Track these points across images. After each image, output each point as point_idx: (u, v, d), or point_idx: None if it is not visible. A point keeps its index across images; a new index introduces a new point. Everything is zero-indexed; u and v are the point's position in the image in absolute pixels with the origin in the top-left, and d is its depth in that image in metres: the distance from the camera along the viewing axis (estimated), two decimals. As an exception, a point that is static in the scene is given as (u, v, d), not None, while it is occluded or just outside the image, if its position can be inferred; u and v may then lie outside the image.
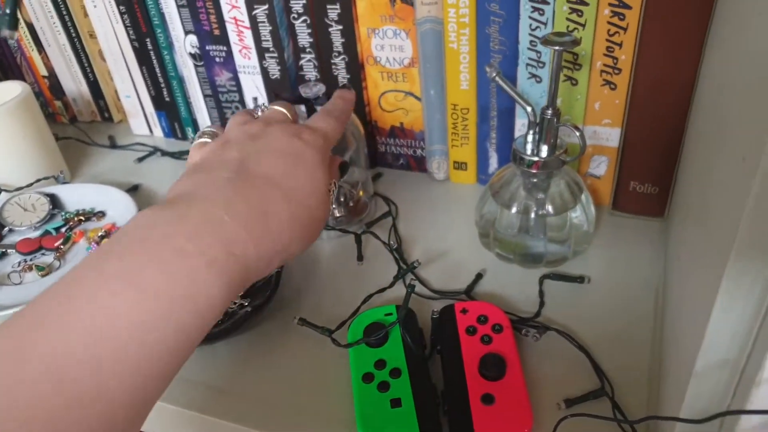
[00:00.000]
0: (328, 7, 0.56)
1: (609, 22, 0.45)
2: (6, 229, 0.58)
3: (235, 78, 0.64)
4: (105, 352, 0.24)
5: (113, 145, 0.75)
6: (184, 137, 0.74)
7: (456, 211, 0.58)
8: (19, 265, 0.55)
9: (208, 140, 0.39)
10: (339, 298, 0.48)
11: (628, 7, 0.44)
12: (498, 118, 0.56)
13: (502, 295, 0.47)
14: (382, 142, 0.64)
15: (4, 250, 0.56)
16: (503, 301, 0.47)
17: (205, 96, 0.68)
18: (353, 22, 0.56)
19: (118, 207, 0.60)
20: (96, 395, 0.24)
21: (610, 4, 0.45)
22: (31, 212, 0.59)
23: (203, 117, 0.70)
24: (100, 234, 0.56)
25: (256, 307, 0.45)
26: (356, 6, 0.55)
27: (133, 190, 0.64)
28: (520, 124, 0.56)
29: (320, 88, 0.52)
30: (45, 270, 0.53)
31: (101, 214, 0.60)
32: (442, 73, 0.56)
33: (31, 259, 0.55)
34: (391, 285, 0.48)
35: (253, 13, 0.58)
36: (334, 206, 0.57)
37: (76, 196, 0.62)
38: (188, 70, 0.67)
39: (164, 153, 0.71)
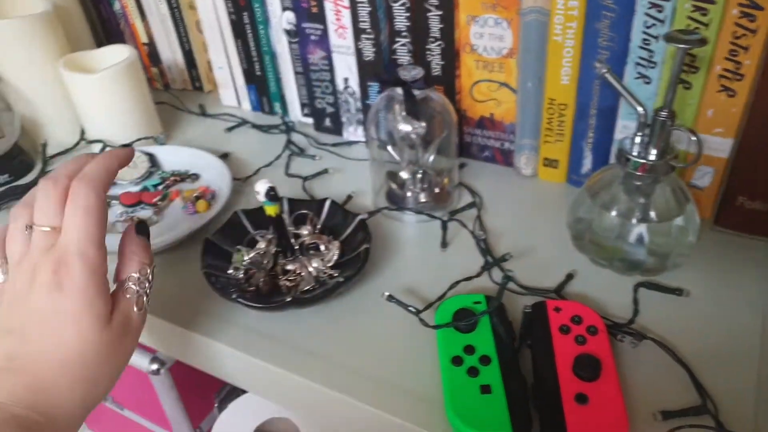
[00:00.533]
0: (432, -9, 0.56)
1: (737, 24, 0.44)
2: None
3: (329, 57, 0.64)
4: None
5: (203, 113, 0.77)
6: (272, 112, 0.75)
7: (543, 208, 0.57)
8: (121, 216, 0.58)
9: None
10: (423, 282, 0.49)
11: (760, 8, 0.42)
12: (598, 117, 0.55)
13: (592, 298, 0.46)
14: (469, 132, 0.63)
15: (108, 200, 0.59)
16: (593, 305, 0.46)
17: (296, 73, 0.69)
18: (454, 8, 0.56)
19: (211, 171, 0.62)
20: None
21: (740, 4, 0.43)
22: (133, 168, 0.62)
23: (292, 93, 0.72)
24: (195, 195, 0.58)
25: (347, 277, 0.46)
26: (460, -8, 0.55)
27: (223, 157, 0.66)
28: (622, 126, 0.54)
29: (418, 72, 0.52)
30: (144, 223, 0.56)
31: (195, 177, 0.63)
32: (542, 66, 0.55)
33: (132, 212, 0.59)
34: (479, 274, 0.48)
35: (356, -8, 0.58)
36: (418, 192, 0.57)
37: (172, 157, 0.65)
38: (282, 46, 0.68)
39: (254, 125, 0.73)
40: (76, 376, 0.35)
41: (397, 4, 0.57)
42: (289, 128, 0.72)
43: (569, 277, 0.48)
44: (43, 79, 0.67)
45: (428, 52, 0.59)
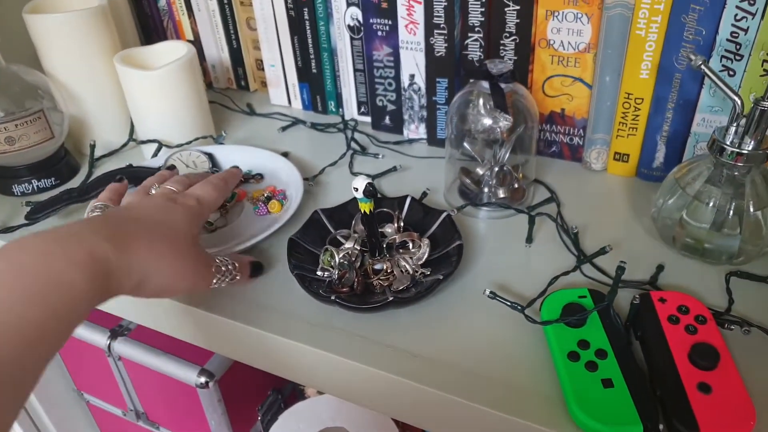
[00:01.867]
0: (510, -14, 0.55)
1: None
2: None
3: (395, 53, 0.64)
4: None
5: (252, 113, 0.76)
6: (325, 111, 0.74)
7: (615, 202, 0.57)
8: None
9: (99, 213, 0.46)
10: (513, 278, 0.48)
11: None
12: (675, 110, 0.55)
13: (684, 289, 0.46)
14: (538, 127, 0.63)
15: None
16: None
17: (356, 70, 0.69)
18: (533, 3, 0.56)
19: (275, 170, 0.61)
20: None
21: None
22: (193, 169, 0.61)
23: (349, 91, 0.71)
24: (265, 195, 0.57)
25: (445, 275, 0.45)
26: (540, -14, 0.55)
27: (283, 156, 0.65)
28: (700, 118, 0.54)
29: (506, 65, 0.52)
30: (213, 226, 0.55)
31: (259, 176, 0.61)
32: (620, 61, 0.55)
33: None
34: (575, 269, 0.48)
35: (432, -12, 0.58)
36: (496, 187, 0.56)
37: (231, 157, 0.63)
38: (343, 43, 0.68)
39: (313, 125, 0.72)
40: (157, 245, 0.39)
41: (473, 1, 0.57)
42: (349, 127, 0.71)
43: (660, 268, 0.48)
44: (93, 77, 0.65)
45: (501, 48, 0.59)
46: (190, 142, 0.64)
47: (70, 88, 0.65)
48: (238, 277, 0.45)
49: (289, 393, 0.86)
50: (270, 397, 0.82)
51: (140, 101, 0.64)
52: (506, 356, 0.42)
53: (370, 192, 0.44)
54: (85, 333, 0.75)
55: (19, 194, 0.62)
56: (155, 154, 0.64)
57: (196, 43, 0.79)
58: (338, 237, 0.51)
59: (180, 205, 0.43)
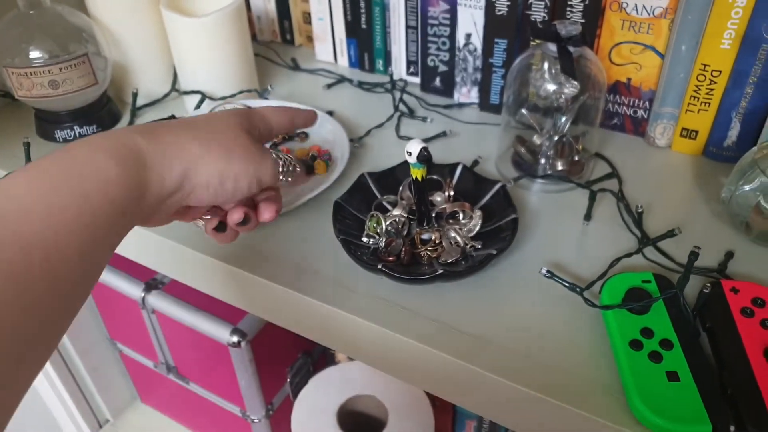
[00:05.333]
0: (585, -60, 0.51)
1: None
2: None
3: (452, 10, 0.60)
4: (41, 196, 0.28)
5: (297, 68, 0.73)
6: (372, 69, 0.71)
7: (680, 182, 0.53)
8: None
9: None
10: (569, 257, 0.46)
11: None
12: (757, 86, 0.50)
13: (756, 279, 0.43)
14: (605, 97, 0.59)
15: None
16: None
17: (408, 27, 0.65)
18: (609, -40, 0.51)
19: (321, 129, 0.59)
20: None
21: None
22: (237, 124, 0.58)
23: (399, 49, 0.67)
24: (310, 155, 0.55)
25: (499, 249, 0.42)
26: (618, -58, 0.50)
27: (328, 114, 0.62)
28: (786, 96, 0.50)
29: (576, 27, 0.48)
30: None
31: (304, 135, 0.59)
32: (700, 29, 0.50)
33: (240, 171, 0.55)
34: (638, 251, 0.45)
35: (497, -61, 0.53)
36: (555, 159, 0.53)
37: (275, 113, 0.61)
38: (396, -3, 0.64)
39: (361, 84, 0.69)
40: (203, 136, 0.35)
41: (540, -47, 0.53)
42: (397, 88, 0.68)
43: (729, 255, 0.45)
44: (138, 22, 0.63)
45: (568, 9, 0.55)
46: (234, 95, 0.62)
47: (114, 33, 0.63)
48: (298, 169, 0.41)
49: (318, 356, 0.85)
50: (299, 359, 0.82)
51: (185, 49, 0.62)
52: (561, 340, 0.40)
53: (425, 157, 0.41)
54: (119, 283, 0.75)
55: (60, 140, 0.61)
56: (198, 106, 0.62)
57: (241, -8, 0.76)
58: (384, 203, 0.49)
59: (231, 111, 0.40)
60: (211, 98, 0.62)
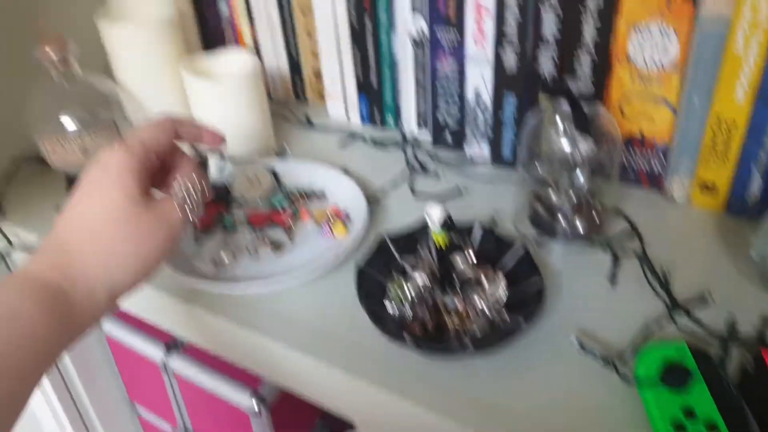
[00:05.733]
0: (588, -5, 0.51)
1: None
2: (234, 199, 0.58)
3: (461, 67, 0.61)
4: None
5: (309, 124, 0.74)
6: (383, 123, 0.72)
7: (702, 240, 0.52)
8: (252, 240, 0.55)
9: None
10: (597, 322, 0.45)
11: None
12: (775, 137, 0.50)
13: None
14: (620, 152, 0.59)
15: (235, 221, 0.56)
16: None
17: (418, 83, 0.66)
18: (613, 15, 0.52)
19: (337, 188, 0.59)
20: None
21: None
22: (256, 184, 0.59)
23: (409, 104, 0.68)
24: (329, 215, 0.55)
25: (526, 318, 0.42)
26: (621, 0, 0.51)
27: (342, 172, 0.63)
28: (804, 146, 0.49)
29: (587, 85, 0.48)
30: (279, 247, 0.54)
31: (321, 194, 0.60)
32: (712, 81, 0.50)
33: (261, 232, 0.56)
34: (667, 317, 0.44)
35: (504, -1, 0.54)
36: (573, 217, 0.53)
37: (293, 172, 0.62)
38: (405, 55, 0.65)
39: (375, 141, 0.69)
40: (100, 244, 0.36)
41: (546, 7, 0.53)
42: (408, 143, 0.68)
43: (766, 321, 0.43)
44: (160, 84, 0.65)
45: (575, 61, 0.55)
46: (253, 157, 0.63)
47: (137, 95, 0.64)
48: (198, 193, 0.40)
49: (336, 421, 0.84)
50: (317, 426, 0.81)
51: (205, 110, 0.63)
52: (594, 417, 0.38)
53: (448, 224, 0.41)
54: (139, 344, 0.75)
55: None
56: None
57: (256, 51, 0.78)
58: (405, 265, 0.49)
59: (101, 166, 0.38)
60: (230, 159, 0.63)
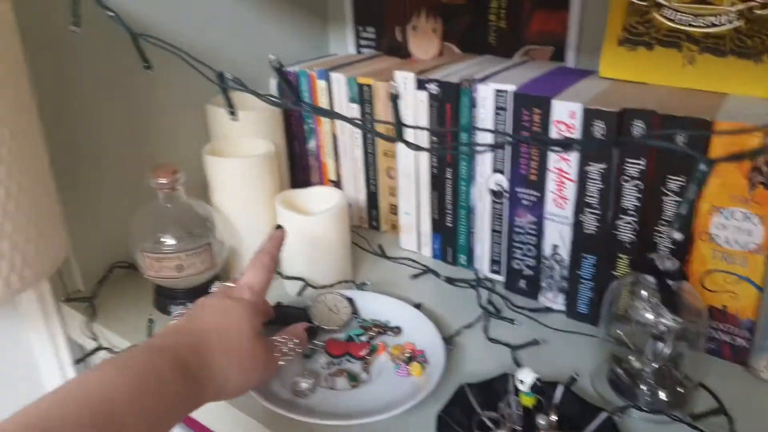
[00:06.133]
0: (670, 177, 0.55)
1: None
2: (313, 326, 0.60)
3: (539, 223, 0.64)
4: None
5: (383, 255, 0.77)
6: (455, 263, 0.75)
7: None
8: (329, 367, 0.56)
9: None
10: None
11: None
12: None
13: None
14: (707, 329, 0.59)
15: (314, 348, 0.58)
16: None
17: (494, 231, 0.69)
18: (696, 197, 0.55)
19: (413, 325, 0.61)
20: None
21: None
22: (335, 313, 0.61)
23: (483, 249, 0.71)
24: (407, 355, 0.56)
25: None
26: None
27: (416, 307, 0.64)
28: None
29: (674, 263, 0.50)
30: (356, 381, 0.54)
31: (397, 330, 0.61)
32: (797, 267, 0.52)
33: (338, 363, 0.57)
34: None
35: (586, 168, 0.59)
36: (656, 387, 0.52)
37: (369, 303, 0.64)
38: (483, 204, 0.69)
39: (449, 279, 0.72)
40: (227, 350, 0.44)
41: (628, 184, 0.57)
42: (483, 286, 0.70)
43: None
44: (253, 213, 0.69)
45: (656, 233, 0.58)
46: (333, 284, 0.65)
47: (232, 221, 0.69)
48: (299, 350, 0.52)
49: None
50: None
51: (293, 241, 0.66)
52: None
53: (538, 388, 0.42)
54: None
55: (173, 313, 0.64)
56: (300, 293, 0.65)
57: (337, 183, 0.83)
58: (485, 419, 0.49)
59: (235, 301, 0.48)
60: (312, 286, 0.66)
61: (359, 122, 0.34)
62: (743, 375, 0.57)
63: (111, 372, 0.37)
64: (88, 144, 0.66)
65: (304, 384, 0.53)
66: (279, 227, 0.56)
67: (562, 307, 0.66)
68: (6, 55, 0.45)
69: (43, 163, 0.54)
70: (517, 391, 0.49)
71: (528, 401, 0.43)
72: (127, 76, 0.67)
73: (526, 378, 0.42)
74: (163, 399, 0.38)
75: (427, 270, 0.73)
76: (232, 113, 0.43)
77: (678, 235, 0.33)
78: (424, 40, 0.85)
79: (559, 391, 0.50)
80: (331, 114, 0.36)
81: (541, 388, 0.42)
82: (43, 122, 0.58)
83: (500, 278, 0.71)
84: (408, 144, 0.31)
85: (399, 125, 0.30)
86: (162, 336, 0.44)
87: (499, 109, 0.64)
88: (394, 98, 0.30)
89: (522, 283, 0.68)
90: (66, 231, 0.60)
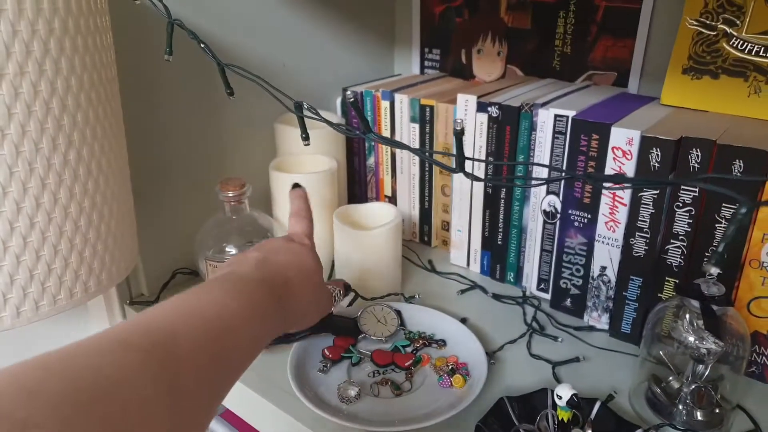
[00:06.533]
0: (725, 205, 0.56)
1: None
2: (361, 335, 0.64)
3: (589, 244, 0.66)
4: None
5: (432, 270, 0.81)
6: (503, 280, 0.77)
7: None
8: (374, 375, 0.60)
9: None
10: None
11: None
12: None
13: None
14: (749, 353, 0.59)
15: (361, 356, 0.61)
16: None
17: (543, 250, 0.71)
18: (749, 224, 0.55)
19: (457, 339, 0.64)
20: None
21: None
22: (383, 324, 0.65)
23: (532, 267, 0.73)
24: (450, 367, 0.59)
25: None
26: (759, 210, 0.54)
27: (462, 321, 0.67)
28: None
29: (719, 289, 0.51)
30: (399, 390, 0.57)
31: (442, 343, 0.64)
32: None
33: (383, 372, 0.60)
34: None
35: (639, 195, 0.60)
36: (693, 407, 0.53)
37: (416, 316, 0.67)
38: (535, 224, 0.71)
39: (496, 296, 0.75)
40: (304, 288, 0.48)
41: (681, 210, 0.58)
42: (530, 304, 0.72)
43: None
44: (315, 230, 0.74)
45: (705, 259, 0.58)
46: (383, 296, 0.69)
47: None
48: (343, 298, 0.61)
49: None
50: None
51: (347, 251, 0.71)
52: None
53: (575, 403, 0.44)
54: None
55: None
56: (350, 304, 0.69)
57: (392, 198, 0.88)
58: (521, 431, 0.51)
59: (301, 246, 0.52)
60: (363, 297, 0.70)
61: (422, 152, 0.37)
62: (788, 402, 0.56)
63: (221, 295, 0.39)
64: (162, 158, 0.72)
65: (351, 391, 0.56)
66: (296, 185, 0.61)
67: (606, 326, 0.67)
68: (105, 75, 0.52)
69: (126, 177, 0.59)
70: (555, 406, 0.51)
71: (565, 415, 0.45)
72: (204, 97, 0.74)
73: (564, 393, 0.45)
74: (265, 326, 0.40)
75: (475, 285, 0.76)
76: (306, 138, 0.47)
77: (714, 270, 0.34)
78: (488, 63, 0.89)
79: (596, 407, 0.52)
80: (399, 145, 0.39)
81: (578, 403, 0.44)
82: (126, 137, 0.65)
83: (547, 296, 0.73)
84: (467, 175, 0.34)
85: (462, 158, 0.33)
86: (248, 266, 0.45)
87: (558, 133, 0.66)
88: (459, 134, 0.33)
89: (568, 302, 0.70)
90: (137, 239, 0.64)
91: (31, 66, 0.44)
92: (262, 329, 0.40)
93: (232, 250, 0.67)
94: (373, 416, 0.54)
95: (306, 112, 0.48)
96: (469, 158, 0.36)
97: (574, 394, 0.44)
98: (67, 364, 0.27)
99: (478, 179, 0.39)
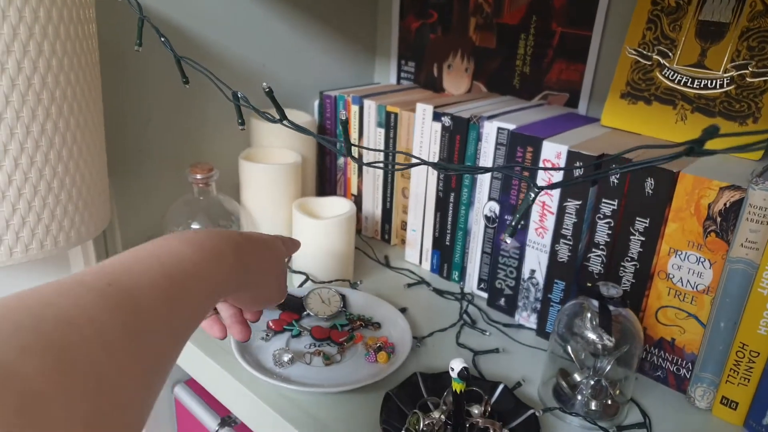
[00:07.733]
0: (638, 219, 0.61)
1: None
2: (305, 312, 0.70)
3: (521, 249, 0.71)
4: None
5: (387, 265, 0.86)
6: (449, 278, 0.83)
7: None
8: (310, 347, 0.65)
9: None
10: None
11: None
12: (793, 374, 0.54)
13: None
14: (644, 349, 0.64)
15: (301, 330, 0.67)
16: None
17: (484, 252, 0.77)
18: (658, 238, 0.60)
19: (393, 324, 0.69)
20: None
21: None
22: (327, 305, 0.71)
23: (473, 267, 0.79)
24: (378, 345, 0.64)
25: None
26: (666, 225, 0.59)
27: (402, 310, 0.73)
28: (821, 390, 0.53)
29: (617, 291, 0.56)
30: (329, 360, 0.63)
31: (377, 325, 0.69)
32: (738, 311, 0.56)
33: (319, 345, 0.66)
34: None
35: (564, 204, 0.65)
36: (590, 398, 0.58)
37: (359, 301, 0.73)
38: (477, 227, 0.77)
39: (437, 291, 0.80)
40: (269, 264, 0.48)
41: (601, 222, 0.63)
42: (466, 299, 0.78)
43: None
44: (273, 213, 0.81)
45: (621, 269, 0.64)
46: (331, 281, 0.75)
47: (254, 217, 0.81)
48: None
49: None
50: None
51: (305, 241, 0.77)
52: None
53: (464, 375, 0.49)
54: (200, 412, 0.85)
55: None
56: (301, 285, 0.75)
57: (358, 197, 0.94)
58: (429, 403, 0.56)
59: (272, 236, 0.53)
60: (312, 280, 0.76)
61: (324, 138, 0.41)
62: (681, 401, 0.61)
63: (176, 243, 0.39)
64: (144, 140, 0.79)
65: (285, 357, 0.62)
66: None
67: (534, 326, 0.72)
68: (86, 60, 0.60)
69: (102, 151, 0.66)
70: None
71: (457, 386, 0.51)
72: (185, 90, 0.81)
73: (456, 365, 0.50)
74: (222, 270, 0.40)
75: (422, 281, 0.82)
76: (242, 124, 0.53)
77: (509, 240, 0.39)
78: (456, 78, 0.95)
79: (498, 390, 0.57)
80: (303, 130, 0.44)
81: (468, 376, 0.49)
82: (107, 114, 0.72)
83: (484, 295, 0.78)
84: (354, 159, 0.40)
85: (348, 144, 0.39)
86: (218, 233, 0.45)
87: (500, 144, 0.72)
88: (343, 123, 0.39)
89: (502, 301, 0.75)
90: (113, 203, 0.72)
91: (16, 46, 0.51)
92: (219, 273, 0.40)
93: (196, 227, 0.74)
94: (302, 379, 0.60)
95: (242, 104, 0.54)
96: (354, 145, 0.42)
97: (464, 367, 0.49)
98: (26, 303, 0.28)
99: (361, 163, 0.44)
